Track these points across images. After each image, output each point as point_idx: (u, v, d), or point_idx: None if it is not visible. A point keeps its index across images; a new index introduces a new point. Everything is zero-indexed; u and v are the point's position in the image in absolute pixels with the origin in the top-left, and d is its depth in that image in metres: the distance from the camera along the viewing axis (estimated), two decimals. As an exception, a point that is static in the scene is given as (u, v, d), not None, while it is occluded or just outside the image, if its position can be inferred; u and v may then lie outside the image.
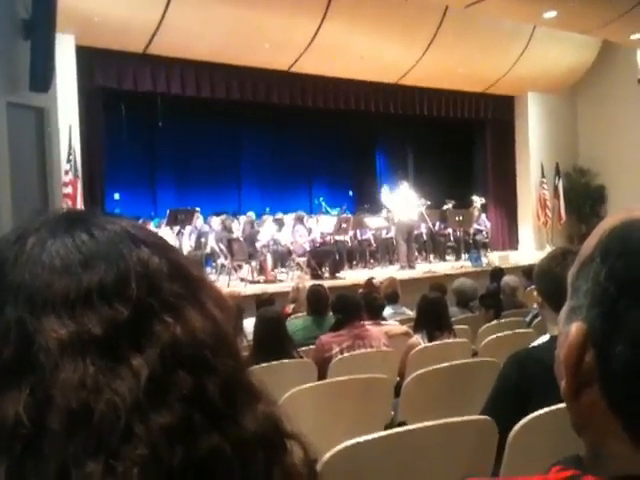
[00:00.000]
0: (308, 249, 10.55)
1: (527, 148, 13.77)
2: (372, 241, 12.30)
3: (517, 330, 4.20)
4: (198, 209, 10.58)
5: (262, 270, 10.09)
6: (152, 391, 0.47)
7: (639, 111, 12.96)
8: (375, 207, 12.88)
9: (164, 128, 13.90)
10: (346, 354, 3.73)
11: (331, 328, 4.17)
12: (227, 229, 10.09)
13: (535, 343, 2.27)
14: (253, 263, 10.03)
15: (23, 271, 0.49)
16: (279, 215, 12.18)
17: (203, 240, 10.22)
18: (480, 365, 3.17)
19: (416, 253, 11.66)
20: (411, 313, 5.41)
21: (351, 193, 17.82)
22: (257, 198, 15.39)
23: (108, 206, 11.05)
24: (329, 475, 1.60)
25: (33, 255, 0.50)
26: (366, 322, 4.37)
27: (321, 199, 14.55)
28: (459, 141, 14.58)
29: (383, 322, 4.74)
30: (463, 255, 12.19)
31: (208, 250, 10.30)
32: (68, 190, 8.35)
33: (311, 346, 4.04)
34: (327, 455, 1.61)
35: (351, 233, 11.71)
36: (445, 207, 12.50)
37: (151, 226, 10.00)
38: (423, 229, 12.11)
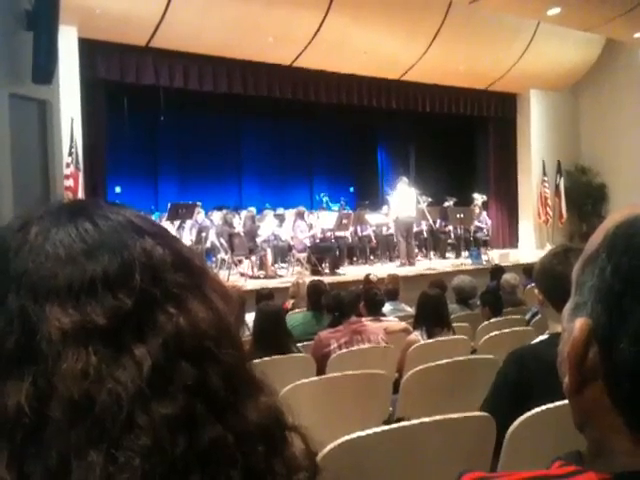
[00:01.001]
0: (308, 245, 10.55)
1: (529, 146, 13.73)
2: (372, 237, 12.31)
3: (516, 328, 4.20)
4: (199, 203, 10.57)
5: (262, 265, 10.09)
6: (155, 381, 0.46)
7: (641, 110, 12.95)
8: (376, 203, 12.87)
9: (166, 121, 13.91)
10: (345, 350, 3.73)
11: (328, 325, 4.18)
12: (228, 224, 10.09)
13: (535, 341, 2.27)
14: (253, 258, 10.03)
15: (27, 260, 0.49)
16: (280, 210, 12.19)
17: (204, 234, 10.22)
18: (479, 362, 3.16)
19: (416, 250, 11.66)
20: (410, 310, 5.41)
21: (352, 189, 17.83)
22: (258, 193, 15.41)
23: (109, 199, 11.04)
24: (328, 468, 1.60)
25: (37, 244, 0.50)
26: (365, 318, 4.38)
27: (323, 195, 14.56)
28: (461, 138, 14.55)
29: (382, 318, 4.74)
30: (463, 252, 12.20)
31: (209, 245, 10.30)
32: (69, 182, 8.34)
33: (310, 341, 4.05)
34: (327, 448, 1.61)
35: (352, 229, 11.71)
36: (446, 204, 12.50)
37: (152, 220, 9.98)
38: (424, 226, 12.10)
